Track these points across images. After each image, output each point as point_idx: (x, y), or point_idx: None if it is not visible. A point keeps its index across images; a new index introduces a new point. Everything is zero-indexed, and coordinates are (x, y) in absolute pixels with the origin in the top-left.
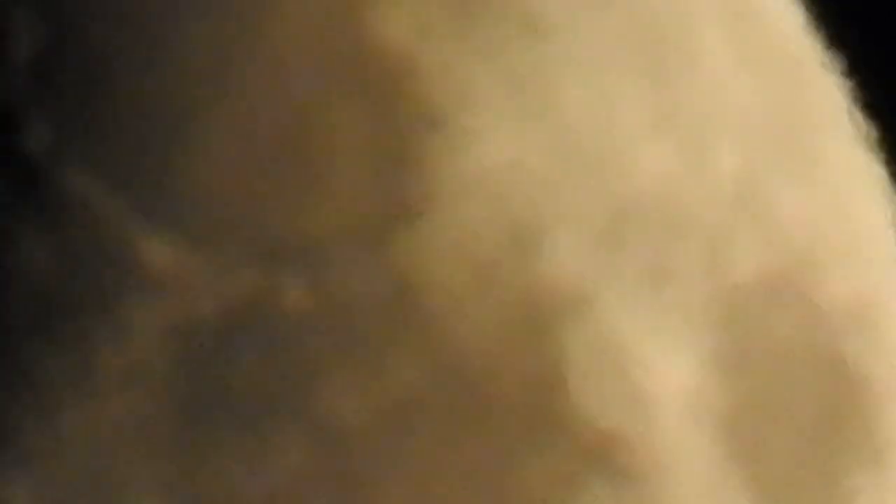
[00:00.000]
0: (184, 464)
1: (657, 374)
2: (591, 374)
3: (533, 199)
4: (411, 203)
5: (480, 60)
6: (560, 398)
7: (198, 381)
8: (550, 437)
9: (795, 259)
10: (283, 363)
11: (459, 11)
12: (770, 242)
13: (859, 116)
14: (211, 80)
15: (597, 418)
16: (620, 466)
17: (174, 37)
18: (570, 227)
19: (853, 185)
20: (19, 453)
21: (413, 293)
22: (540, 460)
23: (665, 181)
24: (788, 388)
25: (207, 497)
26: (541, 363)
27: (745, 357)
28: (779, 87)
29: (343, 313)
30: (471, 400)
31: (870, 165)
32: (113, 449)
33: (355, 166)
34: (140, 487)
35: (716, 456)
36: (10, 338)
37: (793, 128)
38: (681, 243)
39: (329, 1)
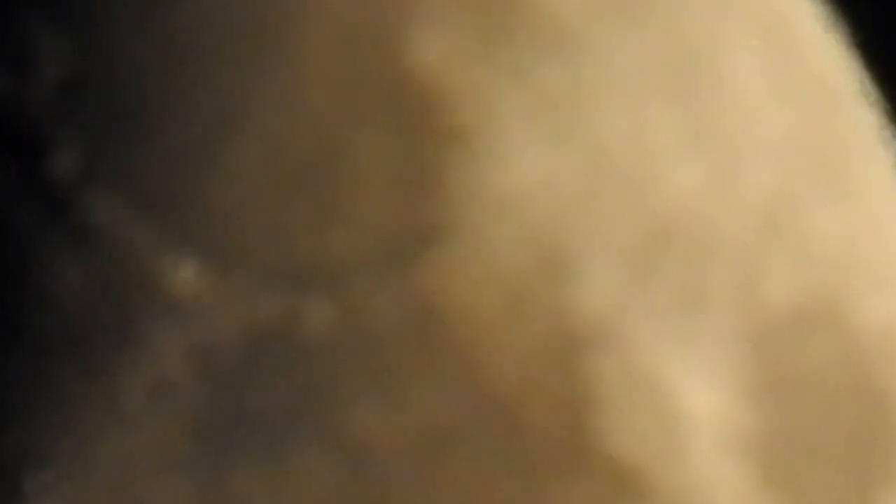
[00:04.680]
0: (206, 486)
1: (689, 403)
2: (622, 404)
3: (563, 223)
4: (438, 226)
5: (510, 82)
6: (591, 427)
7: (221, 404)
8: (581, 466)
9: (830, 285)
10: (308, 386)
11: (489, 32)
12: (804, 267)
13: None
14: (236, 104)
15: (628, 448)
16: (652, 497)
17: (201, 60)
18: (601, 251)
19: (889, 211)
20: (48, 476)
21: (439, 317)
22: (570, 490)
23: (697, 204)
24: (822, 417)
25: None
26: (571, 391)
27: (778, 385)
28: (812, 110)
29: (368, 337)
30: (500, 427)
31: None
32: (137, 471)
33: (381, 189)
34: None
35: (748, 485)
36: (39, 361)
37: (827, 151)
38: (713, 268)
39: (355, 23)
